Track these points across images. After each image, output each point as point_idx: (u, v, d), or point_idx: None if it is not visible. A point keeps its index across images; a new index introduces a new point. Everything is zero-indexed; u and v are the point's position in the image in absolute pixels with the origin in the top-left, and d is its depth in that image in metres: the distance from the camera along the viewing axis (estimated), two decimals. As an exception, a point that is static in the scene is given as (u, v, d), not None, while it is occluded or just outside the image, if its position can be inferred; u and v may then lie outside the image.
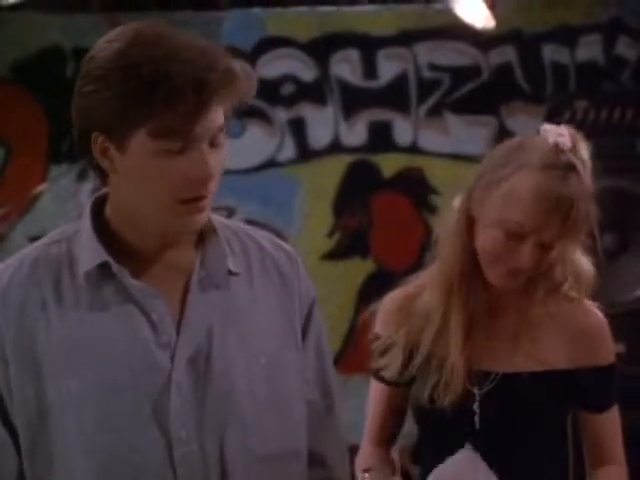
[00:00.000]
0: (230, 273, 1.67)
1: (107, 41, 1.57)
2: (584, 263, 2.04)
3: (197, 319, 1.62)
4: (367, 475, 1.93)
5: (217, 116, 1.53)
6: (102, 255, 1.59)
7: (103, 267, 1.60)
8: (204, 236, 1.67)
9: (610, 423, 2.11)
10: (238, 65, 1.55)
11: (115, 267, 1.59)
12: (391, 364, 2.07)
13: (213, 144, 1.55)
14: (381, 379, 2.14)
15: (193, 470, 1.58)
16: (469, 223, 2.00)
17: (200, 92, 1.49)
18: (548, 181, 1.90)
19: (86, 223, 1.65)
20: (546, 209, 1.89)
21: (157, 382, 1.58)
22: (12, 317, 1.60)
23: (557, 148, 1.93)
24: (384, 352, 2.10)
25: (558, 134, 1.94)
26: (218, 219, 1.72)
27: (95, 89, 1.53)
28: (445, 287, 2.02)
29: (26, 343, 1.59)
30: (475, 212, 1.99)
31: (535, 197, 1.90)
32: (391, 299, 2.14)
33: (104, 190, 1.69)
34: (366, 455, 2.15)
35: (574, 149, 1.93)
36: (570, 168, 1.91)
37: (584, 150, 1.95)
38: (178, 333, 1.61)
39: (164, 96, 1.48)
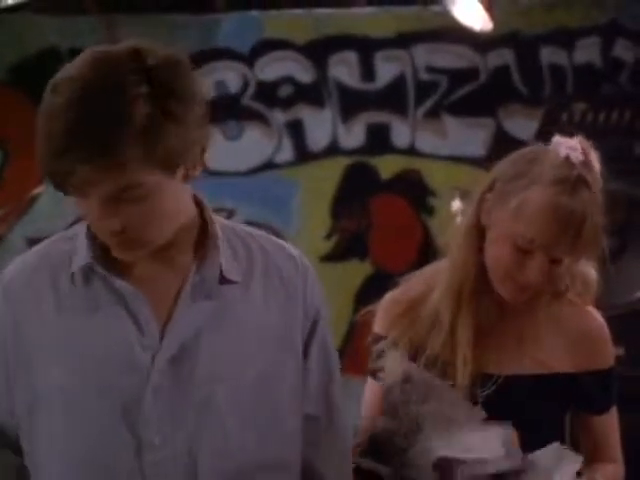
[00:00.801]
0: (227, 281, 1.65)
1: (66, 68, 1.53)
2: (589, 269, 2.04)
3: (184, 324, 1.61)
4: None
5: (103, 184, 1.47)
6: (88, 256, 1.60)
7: (93, 267, 1.61)
8: (205, 240, 1.65)
9: (609, 424, 2.11)
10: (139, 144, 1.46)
11: (99, 268, 1.59)
12: (396, 365, 2.06)
13: (127, 199, 1.50)
14: (377, 378, 2.13)
15: (163, 476, 1.57)
16: (479, 232, 1.99)
17: (61, 176, 1.48)
18: (559, 197, 1.88)
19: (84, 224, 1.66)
20: (557, 225, 1.88)
21: (136, 384, 1.58)
22: (13, 311, 1.62)
23: (568, 162, 1.91)
24: (388, 353, 2.08)
25: (570, 147, 1.93)
26: (225, 223, 1.71)
27: None
28: (455, 295, 2.01)
29: (23, 338, 1.61)
30: (485, 222, 1.98)
31: (546, 213, 1.88)
32: (393, 301, 2.11)
33: None
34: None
35: (586, 162, 1.92)
36: (581, 182, 1.90)
37: (595, 161, 1.95)
38: (163, 336, 1.60)
39: (40, 160, 1.48)
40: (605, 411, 2.10)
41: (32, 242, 5.01)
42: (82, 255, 1.61)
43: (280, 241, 1.78)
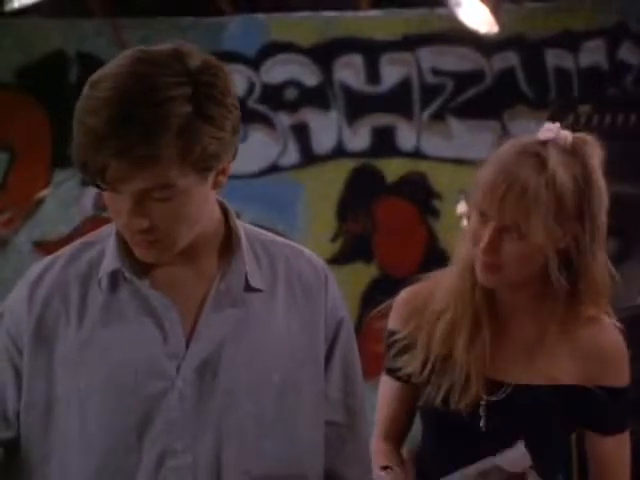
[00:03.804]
0: (251, 289, 1.65)
1: (105, 67, 1.53)
2: (601, 268, 1.98)
3: (209, 333, 1.61)
4: (384, 474, 1.92)
5: (137, 181, 1.48)
6: (117, 262, 1.61)
7: (121, 273, 1.61)
8: (231, 247, 1.65)
9: (617, 449, 2.04)
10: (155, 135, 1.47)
11: (128, 274, 1.60)
12: (411, 363, 2.05)
13: (158, 198, 1.50)
14: (397, 377, 2.11)
15: None
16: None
17: (86, 172, 1.49)
18: (507, 166, 1.89)
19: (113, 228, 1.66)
20: (498, 190, 1.87)
21: (160, 391, 1.58)
22: (36, 311, 1.62)
23: (533, 140, 1.91)
24: (404, 350, 2.07)
25: (547, 129, 1.92)
26: (249, 229, 1.71)
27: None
28: (457, 292, 2.00)
29: (44, 338, 1.61)
30: None
31: (490, 179, 1.90)
32: (410, 296, 2.09)
33: None
34: (380, 452, 2.12)
35: (557, 142, 1.90)
36: (534, 156, 1.88)
37: (589, 158, 1.91)
38: (188, 344, 1.60)
39: (75, 153, 1.48)
40: (614, 433, 2.03)
41: (38, 245, 5.02)
42: (110, 260, 1.61)
43: (301, 248, 1.78)
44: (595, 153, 1.93)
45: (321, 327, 1.70)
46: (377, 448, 2.12)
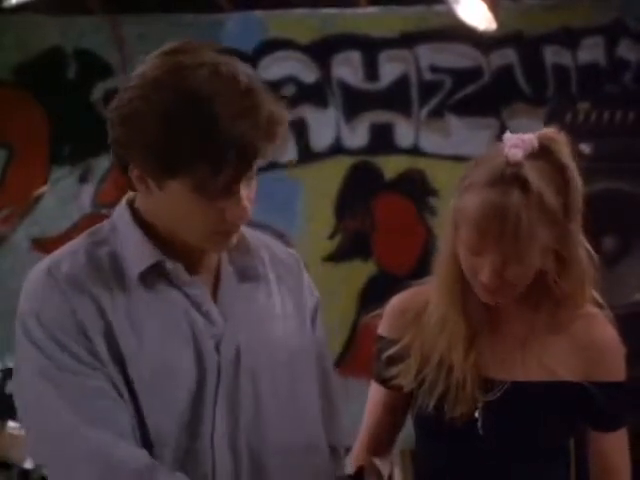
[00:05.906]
0: (253, 273, 1.75)
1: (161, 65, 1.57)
2: (584, 258, 1.97)
3: (232, 314, 1.69)
4: None
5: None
6: (156, 254, 1.64)
7: (155, 266, 1.64)
8: None
9: (617, 446, 2.04)
10: (278, 106, 1.66)
11: (169, 264, 1.64)
12: (405, 373, 2.03)
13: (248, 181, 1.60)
14: (388, 387, 2.09)
15: (225, 459, 1.64)
16: (456, 235, 1.96)
17: (244, 157, 1.53)
18: (487, 199, 1.83)
19: (125, 225, 1.68)
20: (485, 228, 1.83)
21: (206, 371, 1.64)
22: (85, 299, 1.61)
23: (506, 160, 1.85)
24: (398, 361, 2.05)
25: (512, 145, 1.87)
26: None
27: (137, 123, 1.54)
28: (445, 297, 1.99)
29: (102, 323, 1.61)
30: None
31: (476, 217, 1.84)
32: (404, 306, 2.08)
33: (134, 193, 1.71)
34: (357, 461, 2.11)
35: (533, 155, 1.86)
36: (514, 181, 1.83)
37: (560, 154, 1.87)
38: None
39: (206, 160, 1.51)
40: (612, 429, 2.03)
41: (36, 242, 5.02)
42: (144, 255, 1.64)
43: (280, 242, 1.90)
44: (564, 147, 1.90)
45: (307, 307, 1.83)
46: (356, 456, 2.12)
